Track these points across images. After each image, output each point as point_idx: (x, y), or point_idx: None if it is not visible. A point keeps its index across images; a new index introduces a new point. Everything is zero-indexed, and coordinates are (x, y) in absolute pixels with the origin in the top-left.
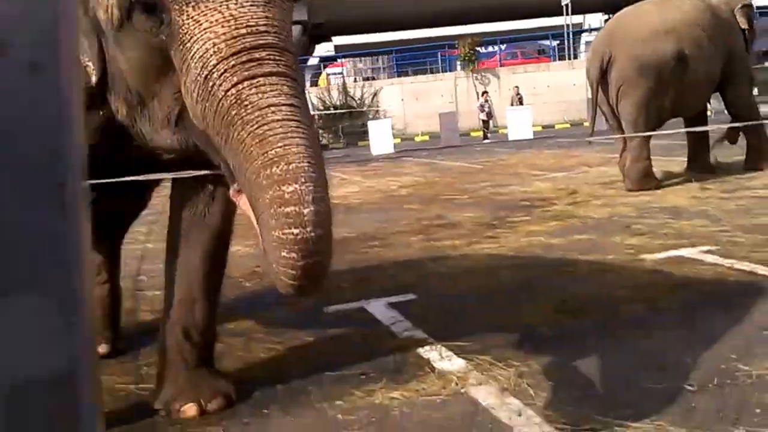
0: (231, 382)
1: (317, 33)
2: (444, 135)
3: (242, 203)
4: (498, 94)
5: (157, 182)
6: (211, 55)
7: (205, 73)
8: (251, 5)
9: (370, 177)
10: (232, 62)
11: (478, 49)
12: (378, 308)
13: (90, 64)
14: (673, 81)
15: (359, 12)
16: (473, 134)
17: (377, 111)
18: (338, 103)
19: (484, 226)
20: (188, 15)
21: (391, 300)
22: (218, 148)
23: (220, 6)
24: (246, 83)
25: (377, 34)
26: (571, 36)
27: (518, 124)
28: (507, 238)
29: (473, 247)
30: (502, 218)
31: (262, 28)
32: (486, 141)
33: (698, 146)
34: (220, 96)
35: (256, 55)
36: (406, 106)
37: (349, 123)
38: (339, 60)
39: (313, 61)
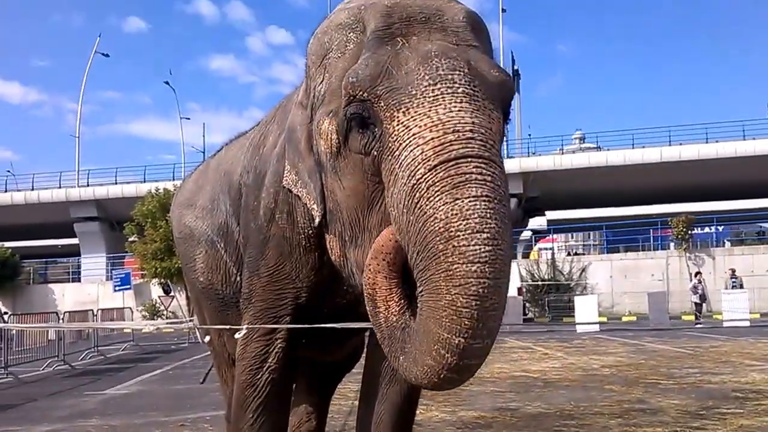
0: None
1: (531, 206)
2: (653, 316)
3: None
4: (713, 276)
5: (362, 334)
6: (419, 164)
7: (413, 182)
8: (459, 110)
9: (572, 353)
10: (441, 173)
11: (692, 228)
12: None
13: (314, 205)
14: None
15: (573, 188)
16: (684, 317)
17: (584, 287)
18: (546, 276)
19: (689, 416)
20: (398, 121)
21: None
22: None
23: (429, 111)
24: (452, 204)
25: (590, 210)
26: None
27: (734, 310)
28: (716, 430)
29: None
30: (709, 408)
31: (468, 134)
32: (698, 325)
33: None
34: (427, 210)
35: (464, 168)
36: (615, 283)
37: (555, 297)
38: (551, 235)
39: (526, 234)
